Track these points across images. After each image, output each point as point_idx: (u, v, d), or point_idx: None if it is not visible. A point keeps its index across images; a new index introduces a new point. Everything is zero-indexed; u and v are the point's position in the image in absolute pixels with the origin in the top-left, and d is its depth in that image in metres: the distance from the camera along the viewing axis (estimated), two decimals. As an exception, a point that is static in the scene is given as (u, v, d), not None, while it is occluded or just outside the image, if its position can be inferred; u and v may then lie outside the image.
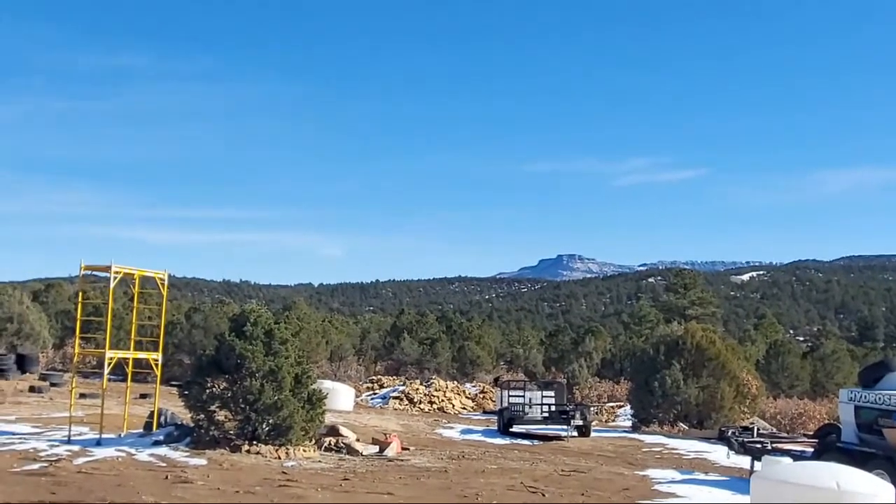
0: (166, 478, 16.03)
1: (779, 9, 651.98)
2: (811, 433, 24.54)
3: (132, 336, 24.42)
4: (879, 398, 18.24)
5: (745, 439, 20.94)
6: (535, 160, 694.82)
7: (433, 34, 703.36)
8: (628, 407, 37.54)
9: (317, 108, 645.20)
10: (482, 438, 27.90)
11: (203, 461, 18.11)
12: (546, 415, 29.55)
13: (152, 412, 22.27)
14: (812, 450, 19.74)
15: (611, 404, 42.15)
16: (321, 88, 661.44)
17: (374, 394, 44.14)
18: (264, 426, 19.68)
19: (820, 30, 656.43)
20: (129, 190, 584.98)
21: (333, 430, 22.08)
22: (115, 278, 21.34)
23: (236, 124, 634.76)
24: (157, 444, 19.96)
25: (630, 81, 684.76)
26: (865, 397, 18.68)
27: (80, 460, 17.77)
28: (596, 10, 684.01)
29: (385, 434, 23.82)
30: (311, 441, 20.43)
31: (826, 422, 28.41)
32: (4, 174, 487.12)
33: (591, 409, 33.05)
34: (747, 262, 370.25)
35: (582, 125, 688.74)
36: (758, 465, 17.97)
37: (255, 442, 19.53)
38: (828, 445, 19.11)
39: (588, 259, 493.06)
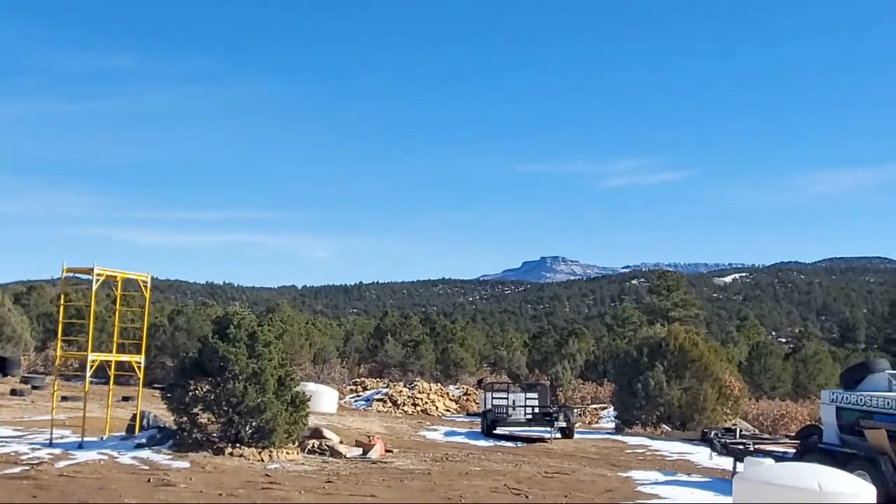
0: (149, 481, 15.96)
1: (750, 10, 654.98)
2: (793, 434, 24.65)
3: (115, 338, 24.30)
4: (861, 399, 18.33)
5: (728, 440, 20.99)
6: (522, 162, 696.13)
7: (423, 36, 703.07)
8: (611, 409, 37.64)
9: (305, 112, 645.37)
10: (466, 440, 27.90)
11: (186, 464, 18.06)
12: (529, 417, 29.55)
13: (135, 415, 22.17)
14: (794, 451, 19.81)
15: (594, 406, 42.27)
16: (316, 90, 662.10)
17: (358, 396, 44.13)
18: (247, 428, 19.63)
19: (804, 32, 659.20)
20: (111, 192, 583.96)
21: (317, 433, 22.04)
22: (98, 280, 21.25)
23: (222, 127, 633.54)
24: (139, 446, 19.89)
25: (622, 83, 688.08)
26: (847, 398, 18.77)
27: (62, 463, 17.68)
28: (586, 11, 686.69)
29: (368, 436, 23.81)
30: (294, 443, 20.40)
31: (808, 423, 28.53)
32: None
33: (575, 410, 33.06)
34: (730, 264, 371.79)
35: (570, 126, 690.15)
36: (740, 466, 18.03)
37: (238, 444, 19.49)
38: (810, 446, 19.17)
39: (571, 261, 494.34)
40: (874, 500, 13.23)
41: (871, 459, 17.00)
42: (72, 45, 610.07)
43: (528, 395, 30.84)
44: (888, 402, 17.61)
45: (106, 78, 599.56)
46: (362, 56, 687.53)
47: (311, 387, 30.92)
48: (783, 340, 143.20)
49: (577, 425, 30.83)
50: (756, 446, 20.42)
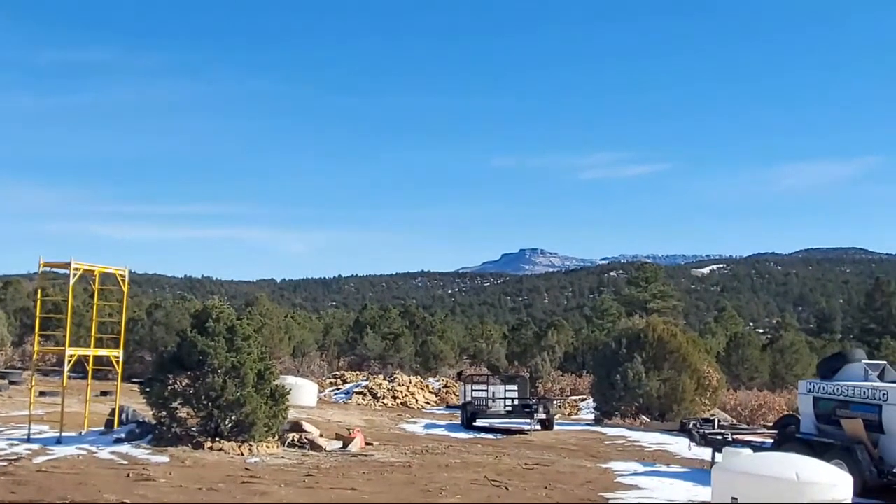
0: (128, 476, 15.91)
1: (724, 5, 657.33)
2: (771, 424, 24.83)
3: (93, 333, 24.19)
4: (837, 389, 18.49)
5: (706, 431, 21.13)
6: (498, 156, 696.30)
7: (397, 31, 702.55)
8: (591, 400, 37.75)
9: (281, 105, 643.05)
10: (445, 433, 27.96)
11: (165, 458, 18.01)
12: (509, 409, 29.64)
13: (113, 410, 22.09)
14: (772, 441, 19.97)
15: (573, 398, 42.36)
16: (292, 85, 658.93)
17: (338, 389, 44.06)
18: (227, 423, 19.60)
19: (778, 27, 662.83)
20: (89, 186, 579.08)
21: (297, 426, 22.02)
22: (75, 275, 21.14)
23: (199, 122, 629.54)
24: (118, 441, 19.82)
25: (594, 77, 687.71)
26: (824, 388, 18.93)
27: (41, 459, 17.60)
28: (560, 5, 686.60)
29: (348, 429, 23.79)
30: (274, 437, 20.37)
31: (785, 413, 28.75)
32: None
33: (554, 402, 33.19)
34: (707, 256, 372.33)
35: (544, 120, 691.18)
36: (719, 456, 18.14)
37: (217, 438, 19.44)
38: (787, 436, 19.33)
39: (550, 253, 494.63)
40: (851, 490, 13.34)
41: (847, 449, 17.16)
42: (45, 40, 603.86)
43: (508, 387, 30.92)
44: (864, 392, 17.77)
45: (78, 72, 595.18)
46: (336, 51, 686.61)
47: (290, 380, 30.88)
48: (761, 331, 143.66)
49: (556, 417, 30.92)
50: (734, 436, 20.57)
